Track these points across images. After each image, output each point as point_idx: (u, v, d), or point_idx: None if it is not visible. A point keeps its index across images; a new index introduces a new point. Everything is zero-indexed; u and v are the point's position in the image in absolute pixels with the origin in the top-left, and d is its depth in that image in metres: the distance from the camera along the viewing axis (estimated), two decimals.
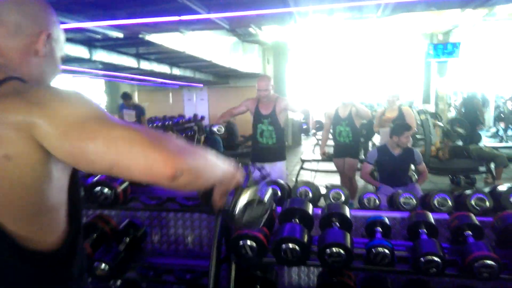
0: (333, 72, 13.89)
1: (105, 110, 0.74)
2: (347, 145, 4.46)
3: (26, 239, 0.76)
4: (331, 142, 4.97)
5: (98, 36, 4.46)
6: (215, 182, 0.86)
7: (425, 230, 1.60)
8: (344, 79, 13.82)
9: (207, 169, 0.79)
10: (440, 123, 6.15)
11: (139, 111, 7.08)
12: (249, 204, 0.92)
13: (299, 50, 11.17)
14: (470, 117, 7.22)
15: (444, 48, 8.82)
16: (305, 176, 6.59)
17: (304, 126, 4.10)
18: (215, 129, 3.77)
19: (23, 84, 0.75)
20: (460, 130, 5.79)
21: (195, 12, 3.63)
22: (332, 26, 6.40)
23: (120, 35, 4.46)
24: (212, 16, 3.85)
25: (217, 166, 0.83)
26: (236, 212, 0.91)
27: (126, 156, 0.68)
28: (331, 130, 4.75)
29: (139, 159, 0.67)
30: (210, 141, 7.29)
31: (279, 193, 2.19)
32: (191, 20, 3.88)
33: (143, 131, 0.70)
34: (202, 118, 11.82)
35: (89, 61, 5.47)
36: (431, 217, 1.66)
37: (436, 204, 1.97)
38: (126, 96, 7.11)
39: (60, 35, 0.92)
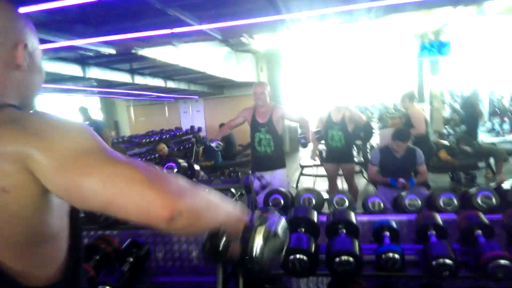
0: (327, 77, 13.95)
1: (104, 144, 0.70)
2: (339, 150, 4.42)
3: (26, 275, 0.72)
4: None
5: (91, 54, 4.45)
6: (216, 225, 0.80)
7: (434, 232, 1.57)
8: (338, 83, 13.87)
9: (208, 211, 0.74)
10: (446, 142, 6.10)
11: (96, 126, 6.10)
12: (266, 242, 0.83)
13: (292, 57, 11.22)
14: (470, 115, 7.23)
15: (435, 46, 8.88)
16: (305, 181, 6.56)
17: (302, 141, 4.01)
18: (213, 145, 3.77)
19: (19, 112, 0.72)
20: (467, 148, 5.71)
21: (187, 24, 3.63)
22: (324, 31, 6.43)
23: (112, 51, 4.45)
24: (204, 27, 3.85)
25: (219, 207, 0.78)
26: (257, 255, 0.81)
27: (122, 195, 0.64)
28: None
29: (136, 199, 0.63)
30: (208, 152, 7.25)
31: (282, 202, 2.16)
32: (184, 33, 3.87)
33: (143, 169, 0.66)
34: (199, 129, 11.80)
35: (83, 79, 5.46)
36: (439, 218, 1.63)
37: (442, 204, 1.94)
38: (81, 111, 6.36)
39: (37, 45, 0.86)
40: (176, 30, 3.69)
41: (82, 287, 0.85)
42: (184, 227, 0.67)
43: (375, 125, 9.58)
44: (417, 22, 7.93)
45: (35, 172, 0.65)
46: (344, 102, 4.43)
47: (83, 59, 4.96)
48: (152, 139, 9.57)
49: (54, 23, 3.30)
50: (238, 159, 8.21)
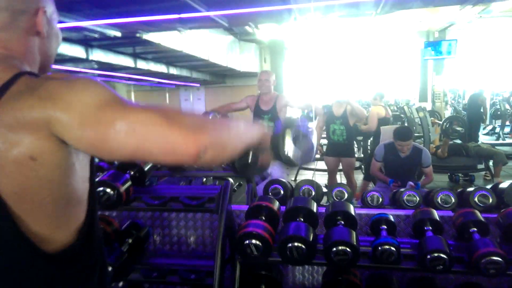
0: (330, 70, 13.90)
1: (117, 93, 0.71)
2: (340, 144, 4.44)
3: (48, 239, 0.75)
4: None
5: (96, 35, 4.42)
6: (243, 149, 0.82)
7: (430, 227, 1.59)
8: (340, 77, 13.84)
9: (232, 139, 0.76)
10: (439, 121, 6.16)
11: None
12: (295, 141, 0.91)
13: (296, 49, 11.17)
14: (473, 115, 7.22)
15: (440, 46, 8.84)
16: (304, 175, 6.59)
17: (310, 114, 3.99)
18: (210, 116, 3.74)
19: (34, 79, 0.73)
20: (459, 128, 5.79)
21: (195, 10, 3.61)
22: (330, 24, 6.40)
23: (118, 33, 4.42)
24: (212, 14, 3.84)
25: (242, 133, 0.81)
26: (291, 155, 0.90)
27: (146, 140, 0.66)
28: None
29: (160, 142, 0.66)
30: None
31: (282, 192, 2.18)
32: (190, 18, 3.86)
33: (161, 111, 0.68)
34: None
35: (85, 61, 5.43)
36: (436, 214, 1.66)
37: (440, 202, 1.97)
38: None
39: (54, 9, 0.87)
40: (184, 15, 3.68)
41: (96, 247, 0.87)
42: (212, 159, 0.69)
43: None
44: (422, 19, 7.90)
45: (60, 134, 0.67)
46: (345, 96, 4.43)
47: (87, 40, 4.93)
48: None
49: (61, 2, 3.28)
50: None
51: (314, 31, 7.68)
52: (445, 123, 5.90)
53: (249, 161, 0.87)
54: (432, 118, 6.27)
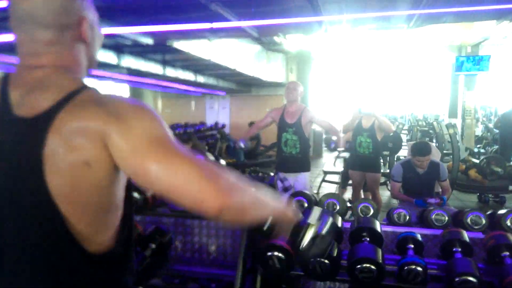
0: (357, 82, 13.76)
1: (170, 132, 0.80)
2: (366, 157, 4.34)
3: (91, 240, 0.80)
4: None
5: (128, 42, 4.57)
6: (262, 220, 0.90)
7: (459, 248, 1.53)
8: (368, 90, 13.66)
9: (254, 207, 0.83)
10: (475, 160, 5.86)
11: None
12: (314, 239, 0.96)
13: (323, 60, 11.13)
14: (506, 133, 6.90)
15: (473, 61, 8.59)
16: (327, 188, 6.50)
17: (332, 146, 4.01)
18: (242, 145, 3.80)
19: (100, 94, 0.80)
20: (497, 169, 5.45)
21: (226, 20, 3.68)
22: (359, 36, 6.36)
23: (150, 41, 4.56)
24: (243, 24, 3.89)
25: (265, 204, 0.87)
26: (304, 248, 0.96)
27: (182, 186, 0.74)
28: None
29: (192, 192, 0.74)
30: (232, 149, 7.30)
31: (306, 204, 2.16)
32: (221, 28, 3.93)
33: (202, 165, 0.76)
34: (223, 126, 11.88)
35: (115, 66, 5.61)
36: (466, 235, 1.60)
37: (469, 222, 1.90)
38: None
39: (94, 13, 0.92)
40: (216, 25, 3.75)
41: (133, 251, 0.92)
42: (230, 220, 0.78)
43: (404, 137, 9.37)
44: (455, 33, 7.72)
45: (111, 150, 0.74)
46: (371, 109, 4.34)
47: (118, 46, 5.09)
48: (176, 131, 9.72)
49: (99, 9, 3.41)
50: (260, 159, 8.24)
51: (343, 42, 7.64)
52: (482, 163, 5.59)
53: (264, 229, 0.94)
54: (467, 156, 5.94)
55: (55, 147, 0.73)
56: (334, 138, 4.16)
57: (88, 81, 0.92)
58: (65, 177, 0.74)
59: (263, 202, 0.86)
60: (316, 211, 1.02)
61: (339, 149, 4.01)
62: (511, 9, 3.69)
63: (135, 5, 3.37)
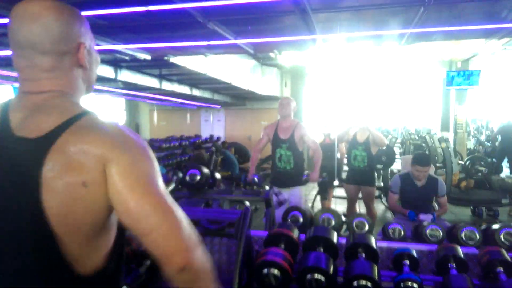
0: (351, 97, 13.91)
1: (158, 172, 0.83)
2: (361, 171, 4.38)
3: (81, 262, 0.80)
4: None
5: (126, 58, 4.62)
6: None
7: (454, 264, 1.55)
8: (361, 104, 13.80)
9: (206, 280, 0.84)
10: (461, 162, 6.00)
11: None
12: None
13: (317, 74, 11.25)
14: (504, 146, 6.99)
15: (463, 76, 8.75)
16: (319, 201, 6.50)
17: (305, 177, 3.81)
18: (256, 179, 3.80)
19: (100, 120, 0.82)
20: (482, 168, 5.61)
21: (223, 38, 3.74)
22: (351, 52, 6.46)
23: (148, 57, 4.62)
24: (239, 41, 3.95)
25: (213, 282, 0.87)
26: None
27: (159, 234, 0.77)
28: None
29: (167, 242, 0.77)
30: (227, 162, 7.30)
31: (301, 219, 2.17)
32: (218, 45, 3.99)
33: (183, 221, 0.80)
34: (218, 138, 11.90)
35: (112, 80, 5.64)
36: (460, 251, 1.61)
37: (464, 238, 1.92)
38: None
39: (92, 38, 0.94)
40: (213, 42, 3.82)
41: (122, 270, 0.93)
42: (185, 281, 0.79)
43: (397, 150, 9.44)
44: (445, 49, 7.87)
45: (108, 177, 0.77)
46: (365, 122, 4.39)
47: (116, 61, 5.14)
48: (172, 144, 9.72)
49: (99, 27, 3.47)
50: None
51: (337, 58, 7.75)
52: (467, 163, 5.74)
53: None
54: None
55: (54, 167, 0.74)
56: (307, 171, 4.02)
57: (86, 96, 0.95)
58: (61, 196, 0.75)
59: (213, 280, 0.86)
60: None
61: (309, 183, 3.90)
62: (499, 28, 3.80)
63: (133, 23, 3.42)
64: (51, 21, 0.81)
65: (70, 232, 0.77)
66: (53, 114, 0.79)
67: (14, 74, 5.19)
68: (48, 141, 0.75)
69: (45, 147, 0.75)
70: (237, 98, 11.29)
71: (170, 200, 0.81)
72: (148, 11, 2.79)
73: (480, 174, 5.50)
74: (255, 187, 4.14)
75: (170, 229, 0.77)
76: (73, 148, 0.75)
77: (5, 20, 2.91)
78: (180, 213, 0.81)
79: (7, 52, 4.04)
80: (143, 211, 0.76)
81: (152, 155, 0.84)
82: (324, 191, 5.88)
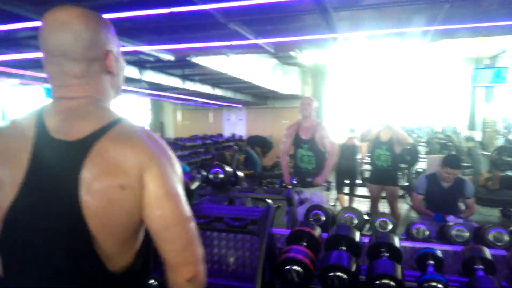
0: (373, 95, 13.68)
1: (181, 182, 0.91)
2: (385, 170, 4.33)
3: (114, 260, 0.84)
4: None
5: (151, 59, 4.73)
6: None
7: (481, 266, 1.52)
8: (384, 102, 13.56)
9: None
10: (487, 152, 5.84)
11: None
12: None
13: (338, 72, 11.14)
14: None
15: (491, 73, 8.46)
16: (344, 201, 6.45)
17: (309, 179, 3.73)
18: (294, 182, 3.78)
19: (137, 127, 0.88)
20: (510, 159, 5.44)
21: (244, 38, 3.77)
22: (373, 49, 6.37)
23: (171, 58, 4.72)
24: (260, 41, 3.98)
25: None
26: None
27: (182, 245, 0.85)
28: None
29: (185, 255, 0.85)
30: (249, 161, 7.36)
31: (323, 218, 2.17)
32: (239, 45, 4.02)
33: (196, 233, 0.89)
34: (241, 137, 12.00)
35: (137, 81, 5.78)
36: (488, 253, 1.58)
37: (492, 239, 1.88)
38: None
39: (119, 45, 0.97)
40: (234, 42, 3.86)
41: (149, 269, 0.98)
42: None
43: (422, 149, 9.24)
44: (471, 46, 7.64)
45: (144, 183, 0.82)
46: (389, 121, 4.34)
47: (141, 62, 5.27)
48: (195, 142, 9.88)
49: (124, 29, 3.58)
50: (276, 171, 8.25)
51: (358, 56, 7.66)
52: (494, 153, 5.58)
53: None
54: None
55: (93, 170, 0.78)
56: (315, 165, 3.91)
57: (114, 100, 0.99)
58: (99, 198, 0.78)
59: None
60: None
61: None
62: None
63: (157, 25, 3.50)
64: (80, 30, 0.84)
65: (105, 232, 0.80)
66: (88, 120, 0.83)
67: (43, 75, 5.40)
68: (87, 145, 0.79)
69: (84, 151, 0.78)
70: (258, 97, 11.32)
71: (188, 210, 0.88)
72: (171, 12, 2.85)
73: (507, 165, 5.31)
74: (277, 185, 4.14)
75: (189, 241, 0.85)
76: (112, 153, 0.80)
77: (33, 24, 3.04)
78: (195, 226, 0.88)
79: (36, 54, 4.20)
80: (175, 219, 0.83)
81: (179, 166, 0.91)
82: (340, 185, 6.08)
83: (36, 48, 4.14)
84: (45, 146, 0.81)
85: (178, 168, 0.90)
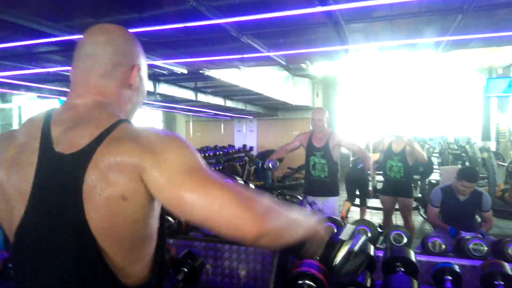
0: (384, 105, 13.61)
1: (202, 161, 0.81)
2: (397, 182, 4.26)
3: (125, 272, 0.82)
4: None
5: (164, 72, 4.82)
6: (296, 241, 0.89)
7: (502, 282, 1.48)
8: (395, 113, 13.45)
9: (289, 230, 0.84)
10: (503, 163, 5.72)
11: None
12: (347, 256, 0.96)
13: (349, 83, 11.14)
14: None
15: (504, 83, 8.35)
16: (355, 211, 6.37)
17: (360, 165, 3.99)
18: (270, 165, 3.85)
19: (134, 127, 0.83)
20: None
21: (256, 51, 3.82)
22: (385, 60, 6.37)
23: (184, 71, 4.81)
24: (272, 54, 4.02)
25: (299, 225, 0.87)
26: (337, 264, 0.95)
27: (218, 214, 0.74)
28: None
29: (229, 219, 0.75)
30: (260, 172, 7.35)
31: (335, 230, 2.15)
32: (251, 57, 4.08)
33: (236, 191, 0.77)
34: (251, 148, 12.01)
35: (151, 93, 5.87)
36: (508, 268, 1.53)
37: (511, 253, 1.83)
38: None
39: (146, 68, 0.99)
40: (247, 55, 3.92)
41: (165, 283, 0.94)
42: (267, 244, 0.77)
43: (434, 160, 9.10)
44: (484, 56, 7.58)
45: (147, 183, 0.77)
46: (405, 134, 4.30)
47: (155, 76, 5.36)
48: (206, 154, 9.93)
49: (140, 44, 3.65)
50: (287, 182, 8.22)
51: (369, 67, 7.66)
52: (511, 164, 5.47)
53: (299, 248, 0.95)
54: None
55: (93, 183, 0.75)
56: (356, 157, 4.12)
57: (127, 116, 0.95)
58: (103, 211, 0.76)
59: (297, 223, 0.86)
60: (349, 229, 1.04)
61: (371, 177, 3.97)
62: None
63: (171, 39, 3.58)
64: (117, 36, 0.90)
65: (113, 244, 0.78)
66: (89, 127, 0.80)
67: (61, 88, 5.52)
68: (85, 157, 0.76)
69: (83, 164, 0.76)
70: (269, 109, 11.37)
71: (215, 177, 0.78)
72: (185, 27, 2.90)
73: None
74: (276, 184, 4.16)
75: (227, 206, 0.74)
76: (107, 162, 0.75)
77: (53, 39, 3.12)
78: (233, 185, 0.78)
79: (54, 69, 4.29)
80: (193, 200, 0.74)
81: (186, 142, 0.82)
82: (351, 192, 6.07)
83: (55, 63, 4.26)
84: (47, 160, 0.79)
85: (186, 147, 0.80)
